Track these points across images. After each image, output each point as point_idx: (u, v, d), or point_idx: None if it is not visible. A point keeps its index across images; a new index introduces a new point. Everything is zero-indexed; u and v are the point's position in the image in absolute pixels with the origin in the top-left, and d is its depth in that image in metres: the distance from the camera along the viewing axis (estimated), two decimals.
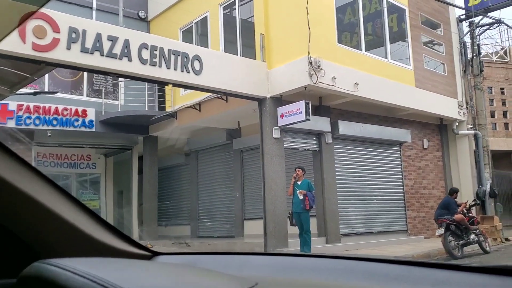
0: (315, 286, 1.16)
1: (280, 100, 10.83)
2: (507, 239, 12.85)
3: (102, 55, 8.60)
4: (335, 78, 10.51)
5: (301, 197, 9.38)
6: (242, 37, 12.14)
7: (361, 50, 11.88)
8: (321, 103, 11.66)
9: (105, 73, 9.63)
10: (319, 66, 10.13)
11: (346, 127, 11.78)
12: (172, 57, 9.47)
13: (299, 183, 9.60)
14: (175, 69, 9.51)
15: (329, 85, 10.43)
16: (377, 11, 12.83)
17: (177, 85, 10.58)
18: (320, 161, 11.44)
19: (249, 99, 10.82)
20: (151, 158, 14.91)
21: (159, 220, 15.02)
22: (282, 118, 10.50)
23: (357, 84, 11.02)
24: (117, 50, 8.78)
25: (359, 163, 12.34)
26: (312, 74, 10.05)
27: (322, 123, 11.30)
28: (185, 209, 15.47)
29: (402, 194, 13.32)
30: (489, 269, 0.99)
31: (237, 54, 11.74)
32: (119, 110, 13.68)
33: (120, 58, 8.83)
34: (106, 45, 8.65)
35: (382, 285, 1.07)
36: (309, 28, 9.89)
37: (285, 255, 1.44)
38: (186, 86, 10.64)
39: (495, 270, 0.98)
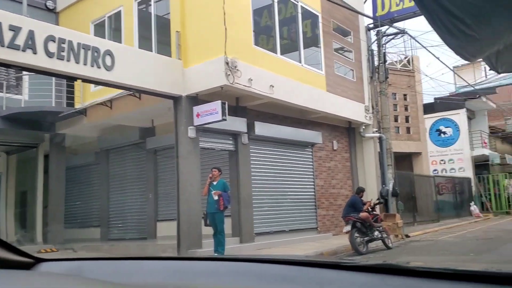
0: None
1: (196, 99, 10.74)
2: (407, 236, 13.79)
3: (2, 45, 7.95)
4: (252, 80, 10.64)
5: (216, 197, 9.37)
6: (158, 34, 11.89)
7: (276, 53, 12.14)
8: (238, 103, 11.75)
9: (6, 65, 8.91)
10: (235, 67, 10.19)
11: (262, 128, 11.97)
12: (82, 51, 9.00)
13: (214, 183, 9.60)
14: (85, 63, 9.05)
15: (246, 86, 10.53)
16: (292, 16, 13.19)
17: (86, 80, 10.07)
18: (236, 162, 11.52)
19: (164, 97, 10.61)
20: (58, 156, 14.09)
21: (66, 223, 14.23)
22: (198, 117, 10.41)
23: (273, 87, 11.25)
24: (20, 41, 8.17)
25: (273, 164, 12.61)
26: (229, 75, 10.08)
27: (238, 124, 11.39)
28: (95, 211, 14.82)
29: (313, 193, 13.82)
30: (371, 268, 1.04)
31: (152, 51, 11.47)
32: (22, 105, 12.73)
33: (24, 50, 8.22)
34: (7, 35, 8.01)
35: (272, 286, 1.08)
36: (225, 29, 9.91)
37: (180, 259, 1.41)
38: (97, 82, 10.16)
39: (376, 268, 1.03)
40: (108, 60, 9.39)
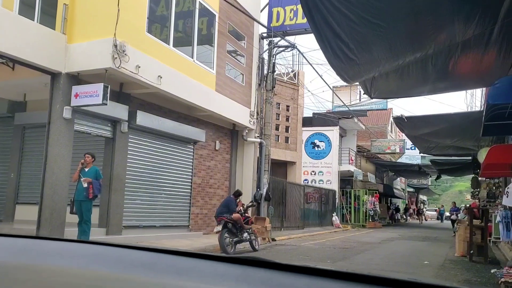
0: (41, 270, 1.08)
1: (77, 78, 10.10)
2: (273, 239, 14.41)
3: None
4: (139, 67, 10.31)
5: (85, 185, 8.90)
6: (43, 3, 10.94)
7: (169, 45, 11.92)
8: (122, 89, 11.29)
9: None
10: (124, 51, 9.79)
11: (144, 118, 11.62)
12: None
13: (86, 169, 9.11)
14: None
15: (132, 72, 10.17)
16: (190, 10, 13.08)
17: None
18: (112, 149, 11.03)
19: (41, 71, 9.76)
20: None
21: None
22: (76, 98, 9.77)
23: (161, 77, 11.02)
24: None
25: (152, 156, 12.32)
26: (116, 58, 9.64)
27: (119, 110, 10.92)
28: None
29: (189, 190, 13.78)
30: (233, 259, 1.06)
31: (34, 20, 10.51)
32: None
33: None
34: None
35: (128, 272, 1.05)
36: (118, 10, 9.47)
37: (25, 237, 1.31)
38: None
39: (238, 260, 1.05)
40: None
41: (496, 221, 11.44)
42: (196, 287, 0.94)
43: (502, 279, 7.09)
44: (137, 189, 11.77)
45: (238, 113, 15.27)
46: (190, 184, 13.82)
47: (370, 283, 0.93)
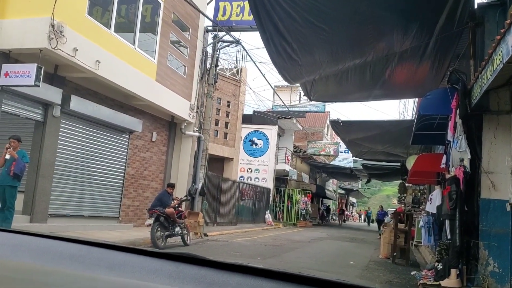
0: None
1: (8, 56, 9.51)
2: (205, 234, 14.35)
3: None
4: (77, 50, 9.88)
5: (8, 156, 8.36)
6: None
7: (110, 29, 11.51)
8: (56, 72, 10.76)
9: None
10: (61, 32, 9.33)
11: (78, 104, 11.15)
12: None
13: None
14: None
15: (69, 55, 9.73)
16: None
17: None
18: (42, 134, 10.49)
19: None
20: None
21: None
22: (6, 77, 9.18)
23: (99, 62, 10.62)
24: None
25: (85, 144, 11.85)
26: (52, 38, 9.18)
27: (52, 94, 10.40)
28: None
29: (121, 181, 13.39)
30: (163, 254, 1.04)
31: None
32: None
33: None
34: None
35: (55, 264, 1.00)
36: None
37: None
38: None
39: (169, 255, 1.03)
40: None
41: (419, 226, 12.10)
42: (128, 283, 0.91)
43: (421, 281, 7.50)
44: (66, 176, 11.28)
45: (177, 105, 15.04)
46: (123, 174, 13.43)
47: (300, 283, 0.95)
